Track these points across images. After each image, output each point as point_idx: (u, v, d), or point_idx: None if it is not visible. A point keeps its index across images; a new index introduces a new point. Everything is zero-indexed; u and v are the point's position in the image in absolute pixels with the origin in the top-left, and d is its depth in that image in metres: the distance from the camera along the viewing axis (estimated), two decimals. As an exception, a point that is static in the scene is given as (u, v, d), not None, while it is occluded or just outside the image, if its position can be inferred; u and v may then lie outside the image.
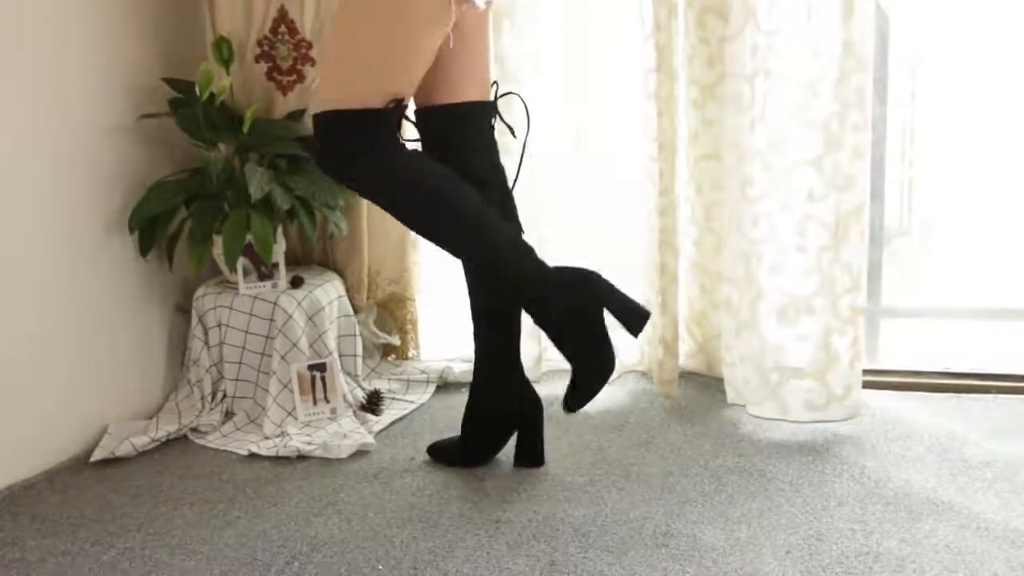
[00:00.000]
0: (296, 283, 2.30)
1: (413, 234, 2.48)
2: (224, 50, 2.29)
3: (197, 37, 2.45)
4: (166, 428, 2.18)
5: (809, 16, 2.06)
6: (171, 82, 2.30)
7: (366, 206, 2.46)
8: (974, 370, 2.37)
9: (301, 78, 2.39)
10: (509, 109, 2.10)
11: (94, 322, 2.16)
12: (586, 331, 1.73)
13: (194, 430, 2.21)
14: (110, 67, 2.19)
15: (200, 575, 1.61)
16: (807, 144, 2.09)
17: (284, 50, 2.38)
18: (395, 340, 2.59)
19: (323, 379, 2.23)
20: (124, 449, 2.08)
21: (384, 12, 1.63)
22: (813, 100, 2.07)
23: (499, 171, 1.89)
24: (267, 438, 2.15)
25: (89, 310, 2.15)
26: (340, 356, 2.36)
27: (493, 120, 1.88)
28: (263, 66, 2.39)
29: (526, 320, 2.01)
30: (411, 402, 2.35)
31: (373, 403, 2.29)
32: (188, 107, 2.27)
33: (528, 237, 2.00)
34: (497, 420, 1.95)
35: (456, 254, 1.77)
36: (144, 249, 2.24)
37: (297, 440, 2.11)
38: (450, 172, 1.74)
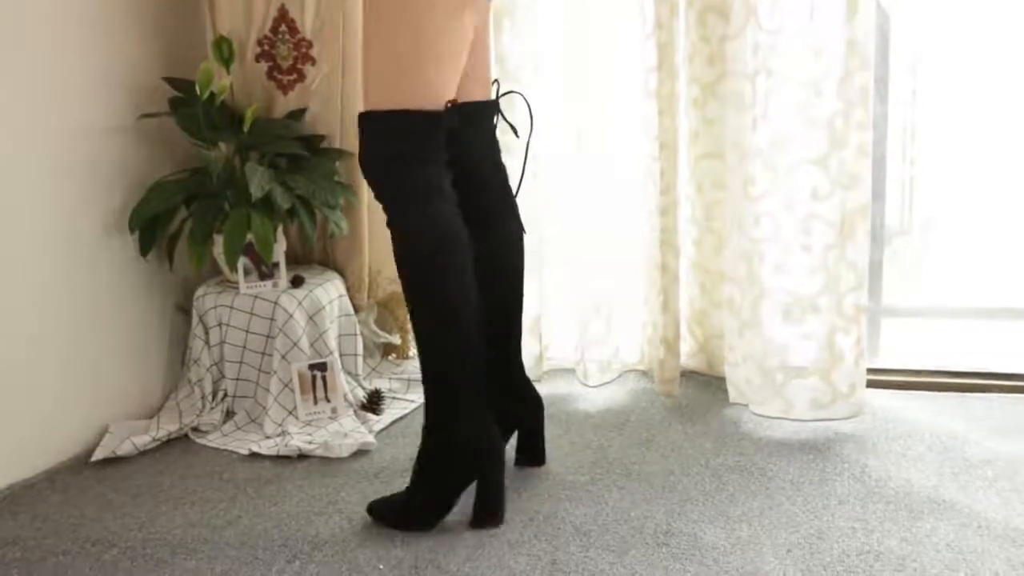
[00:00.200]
0: (297, 282, 2.29)
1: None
2: (224, 49, 2.29)
3: (197, 36, 2.45)
4: (167, 427, 2.18)
5: (811, 15, 2.06)
6: (171, 81, 2.30)
7: (366, 206, 2.46)
8: (975, 369, 2.37)
9: (301, 77, 2.39)
10: (511, 108, 2.10)
11: (95, 322, 2.16)
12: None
13: (195, 429, 2.21)
14: (110, 67, 2.19)
15: (201, 574, 1.61)
16: (811, 142, 2.09)
17: (284, 49, 2.38)
18: (396, 339, 2.59)
19: (324, 378, 2.23)
20: (125, 448, 2.08)
21: (407, 5, 1.59)
22: (816, 99, 2.07)
23: (500, 171, 1.89)
24: (268, 437, 2.15)
25: (89, 310, 2.15)
26: (341, 355, 2.36)
27: (495, 119, 1.88)
28: (263, 65, 2.39)
29: (526, 320, 2.00)
30: (412, 401, 2.35)
31: (374, 402, 2.29)
32: (188, 106, 2.27)
33: (529, 237, 2.00)
34: (498, 420, 1.95)
35: (419, 340, 1.70)
36: (144, 249, 2.24)
37: (298, 439, 2.11)
38: (472, 280, 1.67)
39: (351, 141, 2.41)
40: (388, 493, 1.82)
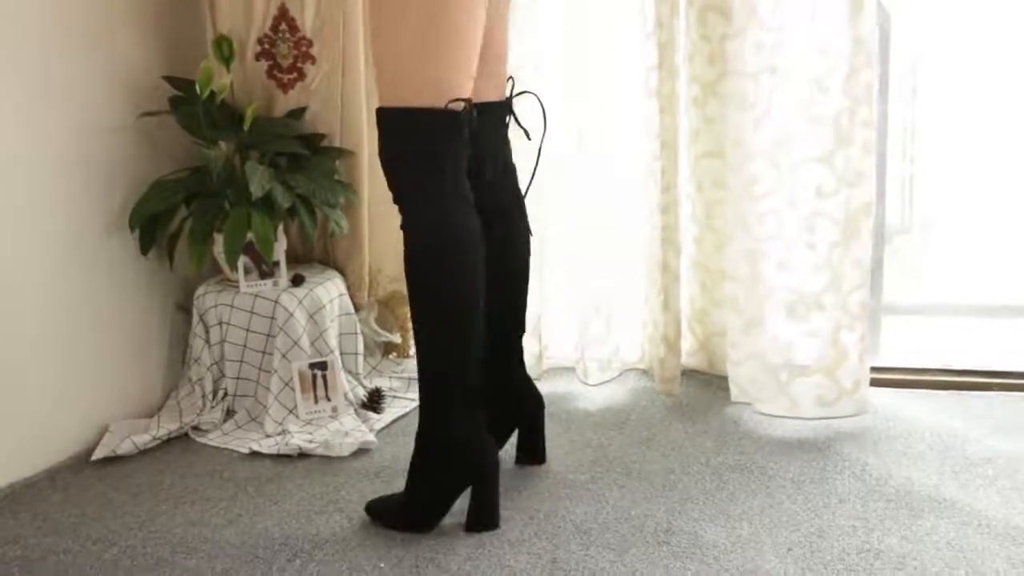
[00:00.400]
0: (297, 281, 2.29)
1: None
2: (224, 48, 2.29)
3: (198, 35, 2.45)
4: (167, 426, 2.18)
5: (814, 13, 2.06)
6: (171, 80, 2.30)
7: (367, 204, 2.46)
8: (975, 367, 2.37)
9: (301, 76, 2.38)
10: (517, 107, 2.09)
11: (95, 321, 2.16)
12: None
13: (195, 428, 2.21)
14: (110, 65, 2.19)
15: (202, 573, 1.61)
16: (816, 141, 2.09)
17: (285, 48, 2.38)
18: (396, 338, 2.59)
19: (324, 377, 2.23)
20: (125, 447, 2.08)
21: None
22: (820, 96, 2.07)
23: (511, 172, 1.87)
24: (268, 436, 2.15)
25: (90, 309, 2.15)
26: (341, 354, 2.36)
27: (508, 119, 1.85)
28: (263, 64, 2.39)
29: (527, 318, 2.00)
30: (412, 400, 2.35)
31: (374, 401, 2.29)
32: (188, 105, 2.27)
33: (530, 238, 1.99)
34: (498, 418, 1.95)
35: (419, 339, 1.68)
36: (144, 248, 2.24)
37: (298, 438, 2.11)
38: (480, 283, 1.65)
39: (351, 140, 2.40)
40: (388, 492, 1.82)
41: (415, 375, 2.44)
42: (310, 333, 2.26)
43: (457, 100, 1.59)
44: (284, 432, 2.15)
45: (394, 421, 2.25)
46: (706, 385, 2.40)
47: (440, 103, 1.58)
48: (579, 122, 2.35)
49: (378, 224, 2.51)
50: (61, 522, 1.81)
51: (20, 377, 1.98)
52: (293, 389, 2.21)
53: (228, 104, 2.36)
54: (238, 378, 2.28)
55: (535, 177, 1.91)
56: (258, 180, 2.11)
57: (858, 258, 2.10)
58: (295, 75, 2.39)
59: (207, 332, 2.28)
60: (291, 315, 2.22)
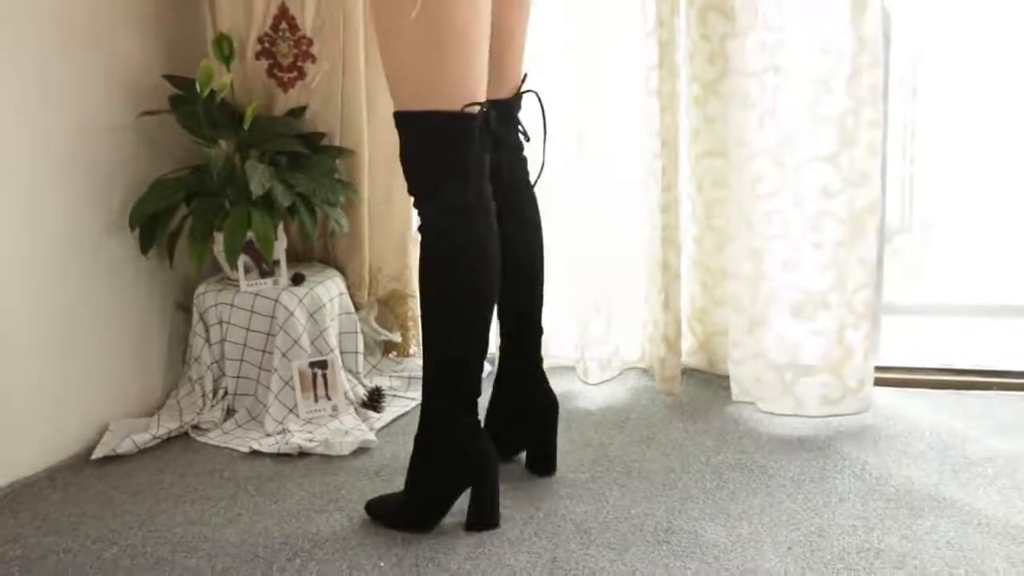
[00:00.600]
0: (297, 280, 2.29)
1: (414, 231, 2.48)
2: (225, 47, 2.29)
3: (198, 34, 2.45)
4: (167, 425, 2.18)
5: (818, 12, 2.06)
6: (172, 79, 2.30)
7: (367, 203, 2.46)
8: (975, 367, 2.37)
9: (302, 75, 2.38)
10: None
11: (95, 320, 2.16)
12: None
13: (195, 427, 2.21)
14: (110, 64, 2.19)
15: (202, 572, 1.61)
16: (820, 141, 2.09)
17: (285, 47, 2.38)
18: (396, 337, 2.59)
19: (324, 376, 2.23)
20: (125, 447, 2.08)
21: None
22: (825, 96, 2.07)
23: (523, 169, 1.86)
24: (268, 435, 2.15)
25: (89, 308, 2.15)
26: (341, 353, 2.36)
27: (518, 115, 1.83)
28: (264, 63, 2.39)
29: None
30: (412, 399, 2.35)
31: (374, 400, 2.29)
32: (189, 104, 2.26)
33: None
34: (508, 427, 1.92)
35: (426, 343, 1.67)
36: (145, 247, 2.24)
37: (298, 437, 2.11)
38: (490, 285, 1.64)
39: (351, 139, 2.41)
40: (389, 491, 1.82)
41: (415, 374, 2.46)
42: (310, 332, 2.26)
43: (472, 104, 1.56)
44: (284, 431, 2.15)
45: (394, 420, 2.25)
46: (706, 384, 2.40)
47: (447, 105, 1.56)
48: (579, 121, 2.35)
49: (378, 223, 2.51)
50: (61, 521, 1.81)
51: (19, 376, 1.97)
52: (293, 388, 2.21)
53: (228, 103, 2.36)
54: (238, 377, 2.28)
55: (540, 176, 1.90)
56: (258, 179, 2.11)
57: (863, 257, 2.10)
58: (295, 74, 2.39)
59: (207, 331, 2.28)
60: (291, 314, 2.22)
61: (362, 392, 2.33)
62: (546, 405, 1.91)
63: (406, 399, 2.36)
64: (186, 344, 2.37)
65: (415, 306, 2.60)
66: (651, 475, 1.91)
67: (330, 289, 2.34)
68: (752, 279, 2.19)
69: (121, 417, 2.22)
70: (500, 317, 1.88)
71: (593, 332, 2.43)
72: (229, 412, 2.28)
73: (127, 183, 2.24)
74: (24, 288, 1.98)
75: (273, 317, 2.23)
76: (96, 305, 2.16)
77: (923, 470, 1.89)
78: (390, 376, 2.48)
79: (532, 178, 1.88)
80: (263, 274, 2.27)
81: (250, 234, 2.17)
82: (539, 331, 1.91)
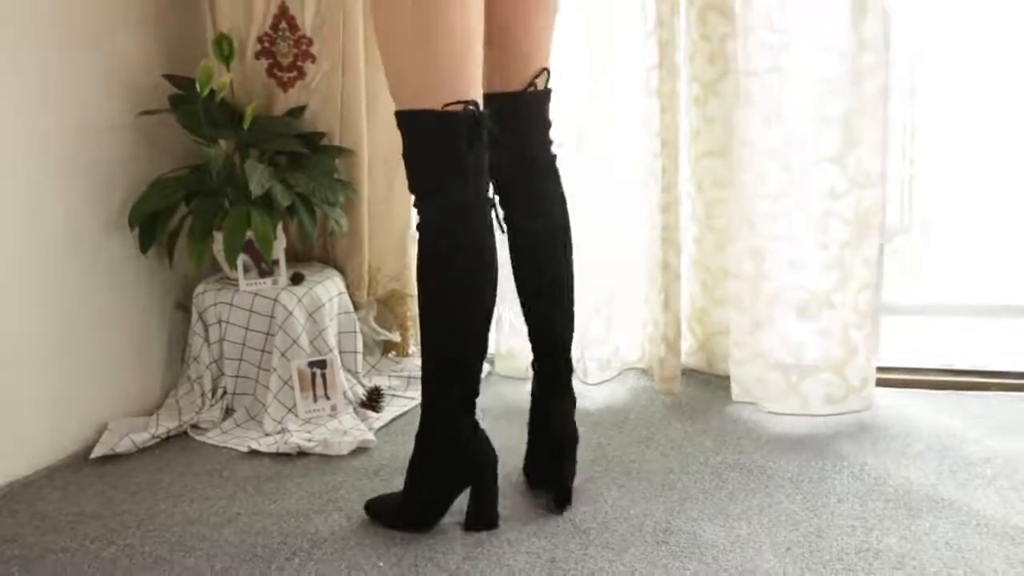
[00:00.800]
0: (296, 280, 2.29)
1: (413, 231, 2.48)
2: (224, 47, 2.29)
3: (197, 34, 2.45)
4: (166, 425, 2.18)
5: (821, 13, 2.06)
6: (171, 79, 2.30)
7: (367, 203, 2.46)
8: (974, 367, 2.37)
9: (301, 75, 2.38)
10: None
11: (94, 319, 2.16)
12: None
13: (194, 427, 2.21)
14: (110, 64, 2.19)
15: (200, 572, 1.61)
16: (825, 141, 2.09)
17: (285, 47, 2.38)
18: (395, 337, 2.59)
19: (323, 376, 2.23)
20: (124, 446, 2.08)
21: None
22: (829, 97, 2.07)
23: (529, 163, 1.81)
24: (267, 435, 2.15)
25: (89, 307, 2.15)
26: (340, 353, 2.36)
27: (524, 112, 1.78)
28: (263, 63, 2.39)
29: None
30: (411, 399, 2.35)
31: (373, 400, 2.29)
32: (188, 104, 2.27)
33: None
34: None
35: (424, 342, 1.66)
36: (144, 246, 2.24)
37: (297, 437, 2.11)
38: (487, 286, 1.62)
39: (351, 138, 2.40)
40: (388, 491, 1.82)
41: (414, 374, 2.46)
42: (309, 332, 2.26)
43: (457, 103, 1.55)
44: (283, 431, 2.15)
45: (393, 420, 2.25)
46: (705, 384, 2.40)
47: (439, 104, 1.55)
48: (579, 121, 2.35)
49: (377, 223, 2.51)
50: (60, 520, 1.81)
51: (19, 375, 1.98)
52: (292, 388, 2.21)
53: (228, 102, 2.36)
54: (237, 376, 2.28)
55: None
56: (258, 178, 2.12)
57: (867, 257, 2.11)
58: (295, 74, 2.39)
59: (206, 330, 2.28)
60: (290, 313, 2.22)
61: (361, 392, 2.33)
62: (561, 441, 1.83)
63: (405, 399, 2.36)
64: (185, 343, 2.37)
65: (414, 306, 2.60)
66: (650, 475, 1.91)
67: (329, 289, 2.34)
68: (754, 279, 2.19)
69: (120, 416, 2.22)
70: (532, 337, 1.84)
71: (593, 332, 2.43)
72: (228, 411, 2.28)
73: (127, 183, 2.24)
74: (24, 288, 1.98)
75: (272, 317, 2.23)
76: (96, 304, 2.16)
77: (922, 470, 1.89)
78: (389, 376, 2.48)
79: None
80: (262, 274, 2.27)
81: (249, 234, 2.17)
82: (570, 338, 1.83)
